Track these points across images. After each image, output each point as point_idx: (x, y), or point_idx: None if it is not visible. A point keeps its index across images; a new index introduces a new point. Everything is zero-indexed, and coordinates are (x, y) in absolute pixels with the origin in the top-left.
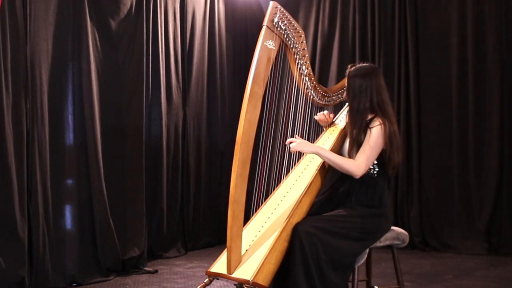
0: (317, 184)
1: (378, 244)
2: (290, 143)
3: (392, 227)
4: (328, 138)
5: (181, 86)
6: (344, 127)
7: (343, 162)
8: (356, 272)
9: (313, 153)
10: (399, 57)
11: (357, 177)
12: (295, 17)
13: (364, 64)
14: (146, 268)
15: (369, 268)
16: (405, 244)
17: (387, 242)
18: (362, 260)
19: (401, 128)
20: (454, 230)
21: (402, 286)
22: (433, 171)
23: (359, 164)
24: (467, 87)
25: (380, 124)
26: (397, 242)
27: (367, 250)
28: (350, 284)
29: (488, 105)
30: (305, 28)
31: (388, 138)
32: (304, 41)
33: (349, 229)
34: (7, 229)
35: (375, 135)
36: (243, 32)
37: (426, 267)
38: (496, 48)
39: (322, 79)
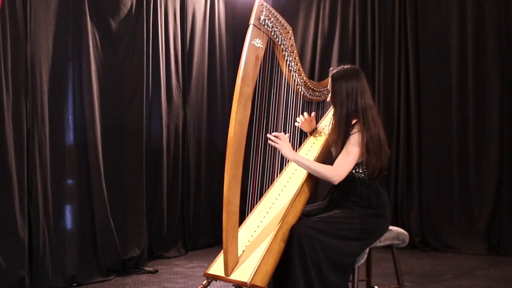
0: (312, 181)
1: (378, 244)
2: (275, 137)
3: (392, 227)
4: (312, 146)
5: (181, 86)
6: (329, 135)
7: (320, 169)
8: (356, 272)
9: (291, 160)
10: (399, 57)
11: (335, 183)
12: (295, 17)
13: (346, 66)
14: (146, 268)
15: (369, 268)
16: (405, 244)
17: (387, 242)
18: (362, 260)
19: (401, 128)
20: (454, 230)
21: (402, 286)
22: (433, 171)
23: (336, 170)
24: (467, 87)
25: (358, 131)
26: (397, 242)
27: (367, 250)
28: (350, 284)
29: (488, 105)
30: (305, 28)
31: (365, 146)
32: (292, 37)
33: (348, 230)
34: (7, 229)
35: (352, 142)
36: (243, 32)
37: (426, 267)
38: (496, 48)
39: (322, 79)
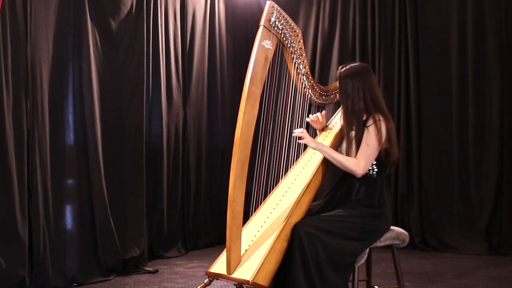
0: (316, 183)
1: (378, 244)
2: (300, 135)
3: (392, 227)
4: (323, 141)
5: (181, 86)
6: (340, 130)
7: (345, 161)
8: (356, 272)
9: (317, 150)
10: (399, 57)
11: (359, 175)
12: (295, 17)
13: (354, 64)
14: (147, 268)
15: (369, 268)
16: (405, 244)
17: (387, 242)
18: (362, 260)
19: (401, 128)
20: (454, 230)
21: (402, 286)
22: (433, 171)
23: (360, 162)
24: (467, 87)
25: (376, 121)
26: (397, 242)
27: (367, 250)
28: (350, 284)
29: (488, 105)
30: (305, 28)
31: (387, 134)
32: (301, 40)
33: (349, 229)
34: (8, 229)
35: (372, 133)
36: (243, 32)
37: (426, 267)
38: (496, 48)
39: (322, 79)
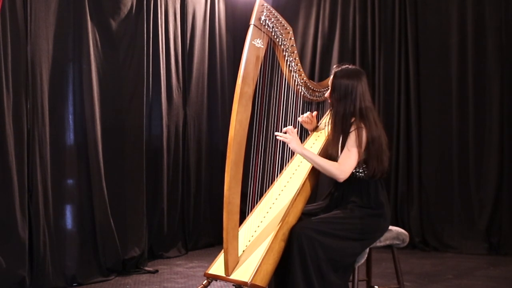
0: (312, 180)
1: (378, 244)
2: (285, 133)
3: (392, 227)
4: (314, 143)
5: (181, 86)
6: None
7: (326, 165)
8: (356, 272)
9: (298, 153)
10: (399, 57)
11: (340, 180)
12: (295, 17)
13: (350, 66)
14: (147, 268)
15: (369, 268)
16: (405, 244)
17: (387, 242)
18: (362, 260)
19: (401, 128)
20: (454, 230)
21: (402, 286)
22: (433, 171)
23: (340, 167)
24: (467, 87)
25: (355, 129)
26: (397, 242)
27: (367, 250)
28: (350, 284)
29: (488, 105)
30: (305, 28)
31: (366, 145)
32: (293, 38)
33: (348, 230)
34: (8, 229)
35: (353, 138)
36: (243, 32)
37: (426, 267)
38: (496, 48)
39: (322, 79)
